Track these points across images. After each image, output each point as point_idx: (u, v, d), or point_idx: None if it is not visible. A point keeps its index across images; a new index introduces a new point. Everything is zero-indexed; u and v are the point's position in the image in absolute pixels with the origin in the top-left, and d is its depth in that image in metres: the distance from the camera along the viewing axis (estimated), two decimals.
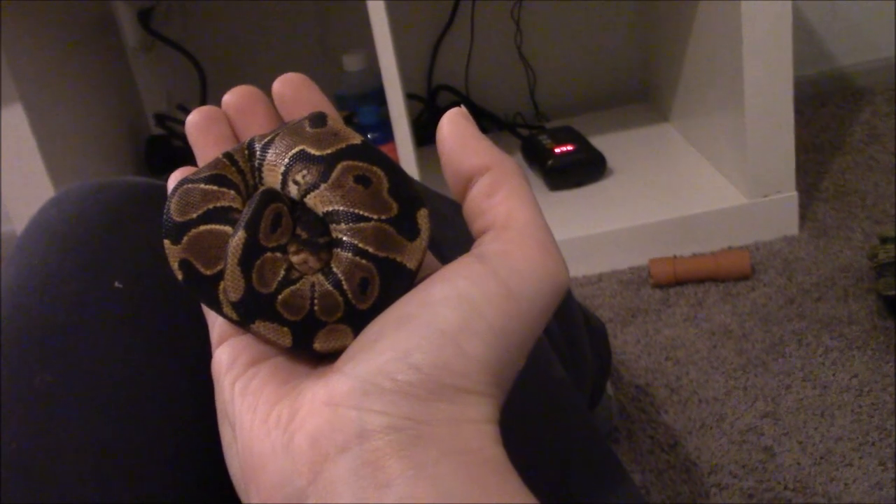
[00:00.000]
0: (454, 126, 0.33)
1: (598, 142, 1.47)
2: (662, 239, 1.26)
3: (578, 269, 1.27)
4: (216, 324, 0.35)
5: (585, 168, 1.40)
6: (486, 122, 1.66)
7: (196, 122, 0.37)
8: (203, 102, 1.61)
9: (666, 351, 1.08)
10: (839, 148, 1.49)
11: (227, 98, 0.38)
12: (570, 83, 1.71)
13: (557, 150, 1.41)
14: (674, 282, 1.20)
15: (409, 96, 1.62)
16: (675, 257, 1.23)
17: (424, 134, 1.49)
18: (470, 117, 0.34)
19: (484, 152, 0.33)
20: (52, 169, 1.19)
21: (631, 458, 0.93)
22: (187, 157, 0.38)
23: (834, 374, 0.98)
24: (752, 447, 0.91)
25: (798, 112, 1.21)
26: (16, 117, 1.15)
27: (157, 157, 1.58)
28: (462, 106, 0.34)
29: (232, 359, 0.32)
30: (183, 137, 1.20)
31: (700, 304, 1.15)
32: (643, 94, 1.70)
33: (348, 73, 1.47)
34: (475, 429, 0.28)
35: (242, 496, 0.31)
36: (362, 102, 1.44)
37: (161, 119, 1.60)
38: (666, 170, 1.40)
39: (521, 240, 0.31)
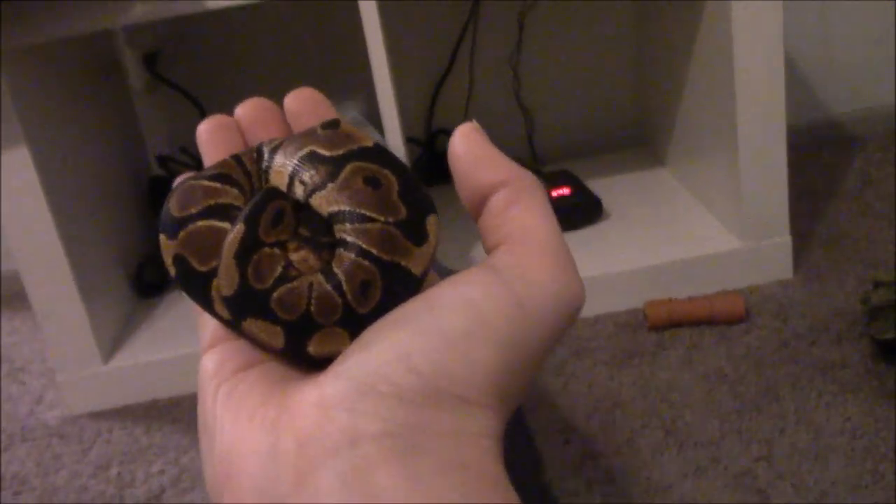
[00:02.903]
0: (468, 141, 0.31)
1: (595, 185, 1.49)
2: (658, 282, 1.27)
3: None
4: (207, 328, 0.32)
5: (582, 211, 1.42)
6: None
7: (207, 128, 0.35)
8: None
9: (661, 393, 1.08)
10: (833, 194, 1.51)
11: (240, 110, 0.36)
12: (567, 128, 1.74)
13: (554, 194, 1.43)
14: (669, 324, 1.21)
15: (409, 140, 1.64)
16: (670, 300, 1.24)
17: (423, 177, 1.51)
18: (483, 131, 0.32)
19: (500, 167, 0.31)
20: (55, 209, 1.21)
21: (626, 500, 0.93)
22: None
23: (828, 418, 0.99)
24: (746, 490, 0.91)
25: (792, 158, 1.23)
26: (21, 158, 1.16)
27: (158, 197, 1.60)
28: (474, 120, 0.32)
29: (219, 364, 0.30)
30: None
31: (695, 347, 1.16)
32: (639, 140, 1.73)
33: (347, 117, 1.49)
34: (475, 442, 0.26)
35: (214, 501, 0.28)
36: None
37: (163, 160, 1.62)
38: (661, 214, 1.42)
39: (536, 253, 0.29)
